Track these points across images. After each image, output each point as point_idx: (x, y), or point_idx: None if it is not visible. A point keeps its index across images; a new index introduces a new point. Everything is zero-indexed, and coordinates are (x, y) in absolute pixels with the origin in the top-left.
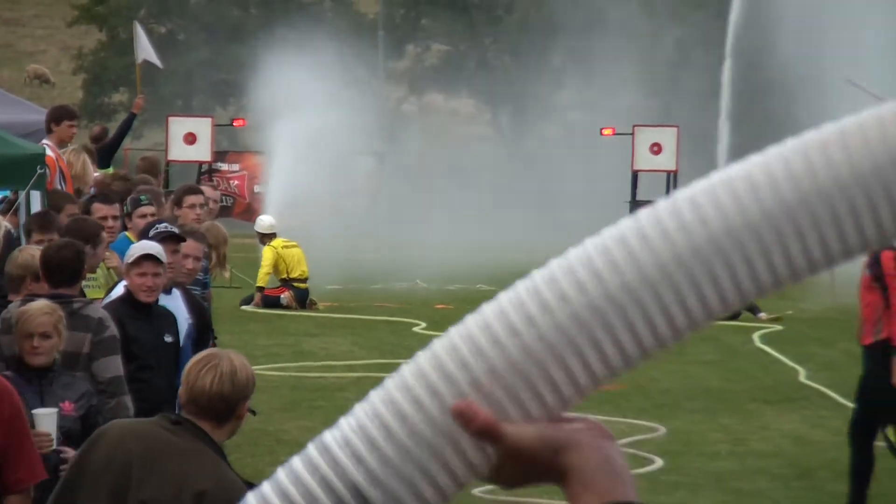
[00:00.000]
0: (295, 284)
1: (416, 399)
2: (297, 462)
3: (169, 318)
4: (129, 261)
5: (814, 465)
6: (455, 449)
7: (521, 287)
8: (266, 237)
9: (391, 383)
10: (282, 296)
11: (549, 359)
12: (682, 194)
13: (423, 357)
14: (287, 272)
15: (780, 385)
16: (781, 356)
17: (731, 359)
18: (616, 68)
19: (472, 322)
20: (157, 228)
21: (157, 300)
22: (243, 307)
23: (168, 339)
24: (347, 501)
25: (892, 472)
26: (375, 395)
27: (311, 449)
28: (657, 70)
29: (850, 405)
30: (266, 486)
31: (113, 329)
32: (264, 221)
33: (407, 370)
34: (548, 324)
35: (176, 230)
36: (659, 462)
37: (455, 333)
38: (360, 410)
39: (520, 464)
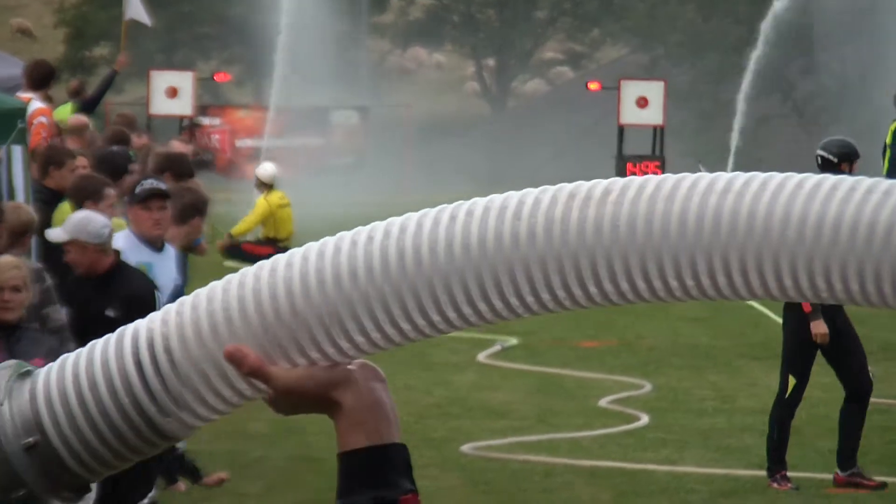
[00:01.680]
0: (280, 245)
1: (199, 330)
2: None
3: (128, 294)
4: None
5: (801, 422)
6: (222, 378)
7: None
8: (264, 186)
9: (195, 303)
10: (267, 255)
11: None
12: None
13: (221, 288)
14: (275, 231)
15: (768, 341)
16: (769, 312)
17: (719, 315)
18: (602, 22)
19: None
20: (142, 185)
21: (114, 269)
22: (227, 262)
23: (110, 313)
24: (147, 367)
25: (883, 428)
26: (187, 307)
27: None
28: (644, 24)
29: None
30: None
31: (49, 279)
32: (267, 170)
33: (207, 301)
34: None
35: (163, 187)
36: (645, 419)
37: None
38: (163, 317)
39: (292, 398)
